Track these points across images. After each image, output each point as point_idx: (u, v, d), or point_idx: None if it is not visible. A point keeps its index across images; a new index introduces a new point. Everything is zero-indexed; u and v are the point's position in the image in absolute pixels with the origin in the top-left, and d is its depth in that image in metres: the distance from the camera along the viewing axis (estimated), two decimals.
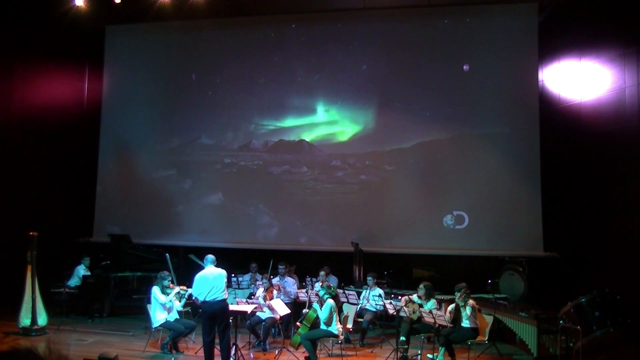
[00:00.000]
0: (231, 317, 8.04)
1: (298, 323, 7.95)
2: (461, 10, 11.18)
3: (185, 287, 8.36)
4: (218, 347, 7.22)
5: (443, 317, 7.47)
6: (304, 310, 8.29)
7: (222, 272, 7.31)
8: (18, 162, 11.56)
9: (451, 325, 7.64)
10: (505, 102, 10.77)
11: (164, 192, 12.30)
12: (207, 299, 7.12)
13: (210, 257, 7.49)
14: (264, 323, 8.36)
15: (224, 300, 7.20)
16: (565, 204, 10.30)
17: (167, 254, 9.32)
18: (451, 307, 7.88)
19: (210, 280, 7.17)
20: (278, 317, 8.32)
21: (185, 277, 8.92)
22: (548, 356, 7.51)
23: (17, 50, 11.63)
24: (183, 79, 12.38)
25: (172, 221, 12.20)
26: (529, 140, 10.57)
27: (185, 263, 11.03)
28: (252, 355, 8.09)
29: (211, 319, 7.14)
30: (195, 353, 7.95)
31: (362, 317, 8.91)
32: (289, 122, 11.80)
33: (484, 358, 8.02)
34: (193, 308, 9.29)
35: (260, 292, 8.62)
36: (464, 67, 10.94)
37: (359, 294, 9.23)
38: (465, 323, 7.70)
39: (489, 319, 8.02)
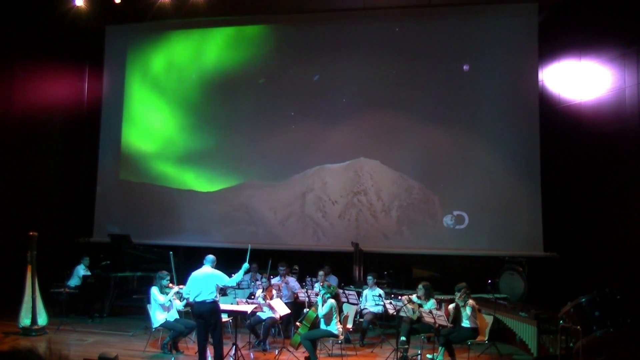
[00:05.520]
0: (231, 317, 8.06)
1: (298, 323, 7.95)
2: (461, 10, 11.19)
3: (184, 287, 8.35)
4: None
5: (443, 317, 7.47)
6: (305, 310, 8.30)
7: (214, 274, 7.24)
8: (18, 162, 11.57)
9: (451, 325, 7.64)
10: (505, 102, 10.77)
11: (164, 191, 12.30)
12: (196, 300, 7.13)
13: (210, 257, 7.44)
14: (264, 323, 8.36)
15: (214, 302, 7.17)
16: (565, 204, 10.31)
17: (170, 252, 9.34)
18: (451, 307, 7.88)
19: (200, 282, 7.16)
20: (278, 317, 8.32)
21: (186, 276, 8.91)
22: (548, 356, 7.51)
23: (17, 50, 11.64)
24: (183, 79, 12.37)
25: (172, 221, 12.20)
26: (529, 140, 10.57)
27: (186, 263, 11.02)
28: (252, 355, 8.09)
29: (201, 320, 7.16)
30: (195, 353, 7.93)
31: (362, 317, 8.92)
32: (288, 123, 11.79)
33: (484, 358, 8.02)
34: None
35: (259, 292, 8.62)
36: (464, 67, 10.94)
37: (359, 294, 9.24)
38: (465, 323, 7.70)
39: (489, 319, 8.02)
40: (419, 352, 7.94)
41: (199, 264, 7.50)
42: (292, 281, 9.58)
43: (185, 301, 8.43)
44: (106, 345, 8.39)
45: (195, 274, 7.29)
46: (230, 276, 7.53)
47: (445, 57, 11.05)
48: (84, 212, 12.49)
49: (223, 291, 9.02)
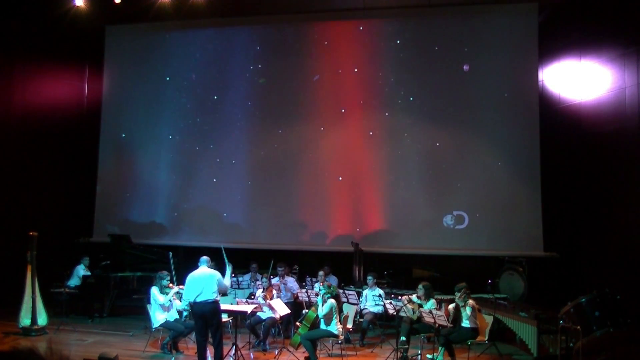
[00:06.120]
0: (231, 317, 8.06)
1: (298, 323, 7.95)
2: (461, 10, 11.20)
3: (184, 287, 8.35)
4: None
5: (443, 317, 7.47)
6: (304, 310, 8.29)
7: (214, 274, 7.24)
8: (18, 162, 11.57)
9: (451, 325, 7.64)
10: (505, 102, 10.78)
11: (164, 192, 12.30)
12: (197, 300, 7.10)
13: (205, 258, 7.46)
14: (264, 323, 8.36)
15: (215, 301, 7.15)
16: (565, 204, 10.31)
17: (169, 253, 9.35)
18: (451, 307, 7.88)
19: (200, 282, 7.13)
20: (278, 317, 8.32)
21: (186, 277, 8.92)
22: (548, 356, 7.51)
23: (17, 50, 11.64)
24: (183, 78, 12.38)
25: (172, 221, 12.21)
26: (529, 140, 10.57)
27: (186, 263, 11.04)
28: (252, 355, 8.09)
29: (202, 320, 7.13)
30: (195, 353, 7.93)
31: (362, 317, 8.92)
32: (289, 123, 11.79)
33: (484, 358, 8.02)
34: None
35: (259, 292, 8.62)
36: (464, 67, 10.95)
37: (359, 294, 9.23)
38: (465, 323, 7.70)
39: (489, 319, 8.01)
40: (419, 352, 7.94)
41: (198, 264, 7.49)
42: (291, 282, 9.56)
43: (185, 302, 8.40)
44: (106, 345, 8.39)
45: (194, 274, 7.27)
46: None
47: (445, 57, 11.06)
48: (84, 212, 12.48)
49: (223, 291, 9.00)
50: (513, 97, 10.75)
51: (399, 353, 7.51)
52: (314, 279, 9.69)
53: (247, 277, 10.07)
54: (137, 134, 12.55)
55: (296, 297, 9.39)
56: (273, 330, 8.75)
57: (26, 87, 11.85)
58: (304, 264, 10.77)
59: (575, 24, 10.25)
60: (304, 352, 7.63)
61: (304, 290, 9.17)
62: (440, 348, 7.57)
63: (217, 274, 7.29)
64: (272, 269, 9.15)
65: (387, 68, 11.34)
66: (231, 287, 9.73)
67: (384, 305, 8.56)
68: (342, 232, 11.28)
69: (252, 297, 9.02)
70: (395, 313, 8.05)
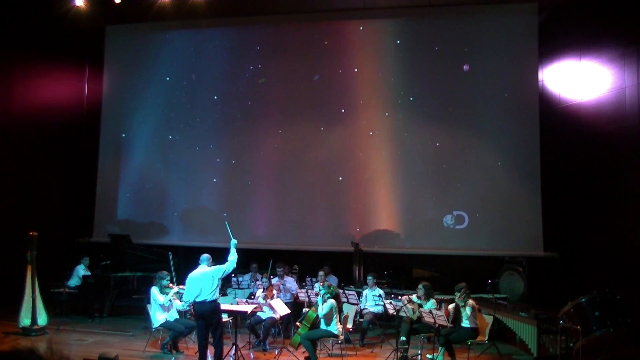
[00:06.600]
0: (231, 317, 8.06)
1: (298, 323, 7.95)
2: (461, 10, 11.19)
3: (184, 287, 8.34)
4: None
5: (443, 317, 7.47)
6: (304, 310, 8.29)
7: (212, 270, 7.16)
8: (18, 162, 11.57)
9: (451, 325, 7.64)
10: (505, 102, 10.78)
11: (164, 192, 12.30)
12: (196, 300, 7.10)
13: (205, 256, 7.40)
14: (264, 323, 8.36)
15: (214, 301, 7.13)
16: (565, 204, 10.31)
17: (169, 253, 9.35)
18: (451, 307, 7.88)
19: (199, 282, 7.11)
20: (278, 317, 8.32)
21: (186, 277, 8.91)
22: (548, 356, 7.51)
23: (17, 50, 11.63)
24: (183, 78, 12.38)
25: (172, 221, 12.21)
26: (529, 140, 10.57)
27: (186, 263, 11.04)
28: (252, 355, 8.09)
29: (202, 320, 7.14)
30: (195, 353, 7.92)
31: (362, 317, 8.92)
32: (289, 123, 11.79)
33: (484, 358, 8.02)
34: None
35: (260, 292, 8.62)
36: (464, 67, 10.95)
37: (359, 294, 9.24)
38: (465, 323, 7.70)
39: (489, 319, 8.02)
40: (419, 352, 7.94)
41: (199, 263, 7.48)
42: (290, 282, 9.57)
43: (186, 304, 8.37)
44: (106, 345, 8.39)
45: (192, 274, 7.26)
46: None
47: (445, 57, 11.06)
48: (84, 212, 12.49)
49: (223, 291, 9.01)
50: (513, 97, 10.75)
51: (399, 353, 7.51)
52: (314, 279, 9.69)
53: (247, 277, 10.07)
54: (137, 134, 12.55)
55: (296, 297, 9.39)
56: (273, 330, 8.75)
57: (26, 87, 11.85)
58: (304, 264, 10.77)
59: (575, 24, 10.25)
60: (304, 352, 7.63)
61: (304, 290, 9.17)
62: (440, 348, 7.57)
63: (216, 268, 7.21)
64: (271, 268, 9.15)
65: (387, 68, 11.33)
66: (231, 287, 9.77)
67: (384, 305, 8.56)
68: (342, 232, 11.28)
69: (252, 297, 9.02)
70: (395, 313, 8.04)
